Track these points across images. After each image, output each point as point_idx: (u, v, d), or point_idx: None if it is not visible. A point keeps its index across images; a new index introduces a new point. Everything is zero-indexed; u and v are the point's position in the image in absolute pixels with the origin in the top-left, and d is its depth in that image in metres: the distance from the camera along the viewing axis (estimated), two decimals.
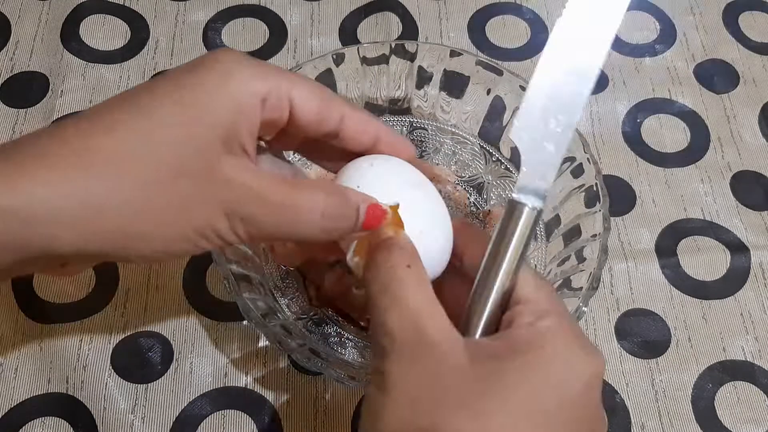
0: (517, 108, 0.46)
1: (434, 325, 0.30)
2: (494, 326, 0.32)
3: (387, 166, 0.36)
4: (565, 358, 0.29)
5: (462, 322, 0.32)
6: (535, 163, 0.33)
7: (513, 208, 0.32)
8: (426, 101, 0.50)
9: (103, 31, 0.59)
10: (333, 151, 0.36)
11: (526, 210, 0.32)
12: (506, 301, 0.32)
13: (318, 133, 0.34)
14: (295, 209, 0.31)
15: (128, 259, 0.30)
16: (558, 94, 0.33)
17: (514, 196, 0.33)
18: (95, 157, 0.28)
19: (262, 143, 0.35)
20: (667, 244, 0.52)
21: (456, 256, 0.35)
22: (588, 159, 0.44)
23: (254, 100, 0.30)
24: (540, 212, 0.33)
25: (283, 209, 0.31)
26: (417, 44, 0.48)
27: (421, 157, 0.52)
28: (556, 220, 0.46)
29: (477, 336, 0.31)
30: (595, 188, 0.43)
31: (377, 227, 0.33)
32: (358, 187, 0.34)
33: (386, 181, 0.35)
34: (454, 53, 0.47)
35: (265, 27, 0.60)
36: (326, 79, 0.47)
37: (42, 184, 0.27)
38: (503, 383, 0.28)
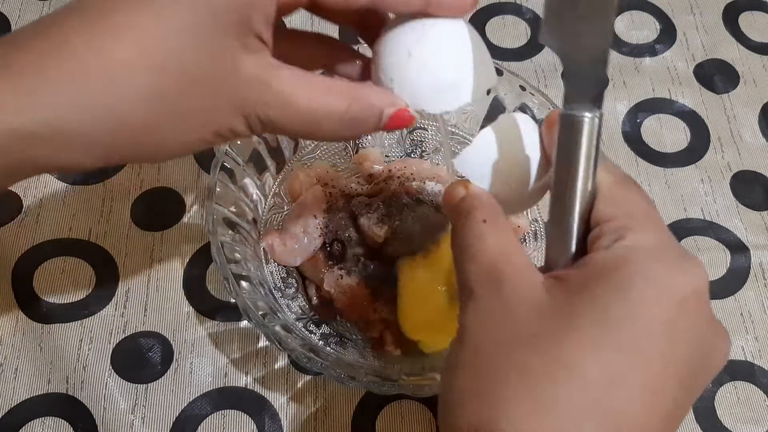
0: (517, 108, 0.46)
1: (511, 269, 0.28)
2: (581, 255, 0.28)
3: (430, 51, 0.31)
4: (648, 279, 0.26)
5: (545, 256, 0.30)
6: (579, 62, 0.28)
7: (569, 125, 0.28)
8: None
9: None
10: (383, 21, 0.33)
11: (585, 122, 0.27)
12: (587, 224, 0.28)
13: (352, 5, 0.31)
14: (315, 115, 0.30)
15: (141, 162, 0.29)
16: None
17: (566, 110, 0.28)
18: (103, 66, 0.26)
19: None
20: None
21: (548, 163, 0.31)
22: None
23: None
24: (601, 118, 0.28)
25: (304, 114, 0.30)
26: None
27: (421, 156, 0.52)
28: None
29: (561, 269, 0.29)
30: None
31: (401, 128, 0.32)
32: (392, 80, 0.31)
33: (424, 82, 0.31)
34: None
35: None
36: None
37: (47, 98, 0.25)
38: (575, 317, 0.25)
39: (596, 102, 0.28)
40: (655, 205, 0.53)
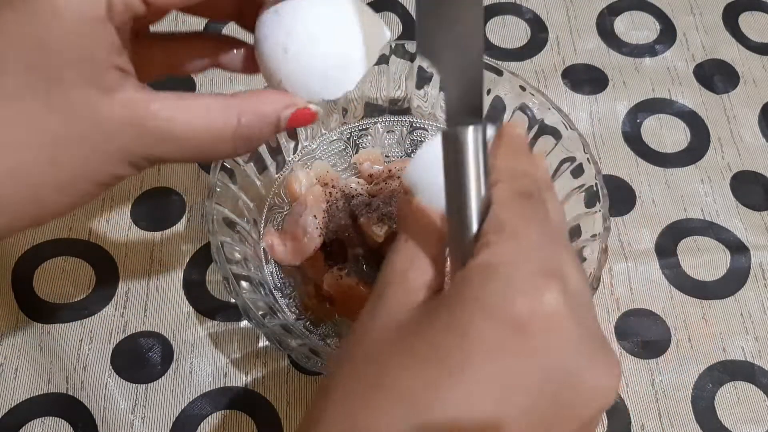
0: (516, 108, 0.46)
1: (395, 287, 0.26)
2: None
3: (305, 41, 0.29)
4: (478, 300, 0.23)
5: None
6: (454, 74, 0.26)
7: (453, 140, 0.26)
8: (426, 101, 0.50)
9: None
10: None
11: (468, 133, 0.25)
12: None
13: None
14: (203, 140, 0.28)
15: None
16: None
17: (448, 125, 0.26)
18: None
19: None
20: (667, 244, 0.52)
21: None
22: (588, 159, 0.44)
23: (93, 21, 0.26)
24: (485, 127, 0.26)
25: (191, 142, 0.28)
26: None
27: None
28: None
29: None
30: (594, 188, 0.43)
31: (304, 126, 0.30)
32: (280, 82, 0.30)
33: (311, 73, 0.29)
34: None
35: None
36: None
37: None
38: (412, 339, 0.24)
39: (476, 114, 0.26)
40: (656, 205, 0.54)
